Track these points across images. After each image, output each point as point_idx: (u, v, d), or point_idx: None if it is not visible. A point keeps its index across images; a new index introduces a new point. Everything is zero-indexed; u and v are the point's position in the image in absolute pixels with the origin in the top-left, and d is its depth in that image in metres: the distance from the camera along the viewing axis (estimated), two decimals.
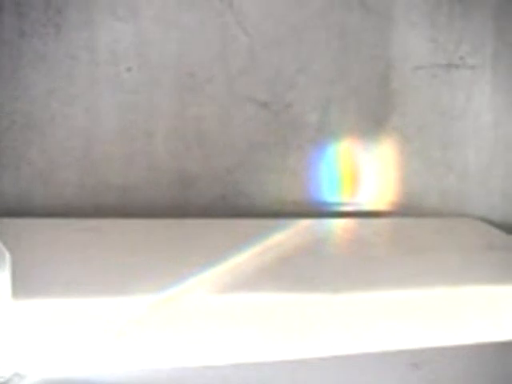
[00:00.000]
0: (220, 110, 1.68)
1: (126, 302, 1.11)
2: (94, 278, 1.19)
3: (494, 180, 1.81)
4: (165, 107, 1.66)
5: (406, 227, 1.69)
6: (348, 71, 1.73)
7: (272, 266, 1.33)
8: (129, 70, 1.63)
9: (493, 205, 1.82)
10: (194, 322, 1.10)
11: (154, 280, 1.21)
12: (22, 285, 1.07)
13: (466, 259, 1.44)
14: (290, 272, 1.31)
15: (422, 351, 1.04)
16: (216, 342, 1.07)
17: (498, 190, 1.82)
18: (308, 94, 1.71)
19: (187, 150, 1.68)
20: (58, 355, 1.04)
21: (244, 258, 1.37)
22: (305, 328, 1.10)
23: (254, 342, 1.05)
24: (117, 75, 1.63)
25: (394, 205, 1.78)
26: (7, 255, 1.05)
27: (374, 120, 1.76)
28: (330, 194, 1.75)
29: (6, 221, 1.44)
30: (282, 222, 1.63)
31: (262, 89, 1.69)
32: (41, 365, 1.01)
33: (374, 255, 1.46)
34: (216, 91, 1.68)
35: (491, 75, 1.78)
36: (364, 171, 1.76)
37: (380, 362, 1.02)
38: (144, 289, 1.17)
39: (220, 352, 1.06)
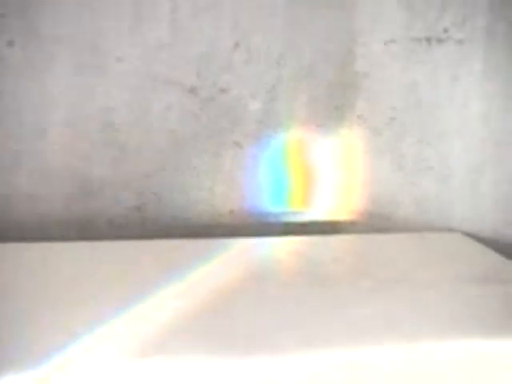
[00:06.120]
0: (134, 96, 1.32)
1: None
2: None
3: (484, 184, 1.45)
4: (59, 91, 1.29)
5: (376, 248, 1.33)
6: (300, 46, 1.37)
7: (197, 322, 1.00)
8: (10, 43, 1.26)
9: (482, 216, 1.46)
10: None
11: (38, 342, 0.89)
12: None
13: (471, 299, 1.11)
14: (227, 333, 0.97)
15: None
16: None
17: (489, 197, 1.46)
18: (248, 76, 1.35)
19: (91, 149, 1.33)
20: None
21: (163, 306, 1.04)
22: None
23: None
24: None
25: (358, 215, 1.43)
26: None
27: (333, 108, 1.40)
28: (276, 203, 1.40)
29: None
30: (214, 243, 1.31)
31: (188, 69, 1.33)
32: None
33: (341, 297, 1.10)
34: (128, 71, 1.31)
35: (483, 52, 1.42)
36: (320, 173, 1.41)
37: None
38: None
39: None
